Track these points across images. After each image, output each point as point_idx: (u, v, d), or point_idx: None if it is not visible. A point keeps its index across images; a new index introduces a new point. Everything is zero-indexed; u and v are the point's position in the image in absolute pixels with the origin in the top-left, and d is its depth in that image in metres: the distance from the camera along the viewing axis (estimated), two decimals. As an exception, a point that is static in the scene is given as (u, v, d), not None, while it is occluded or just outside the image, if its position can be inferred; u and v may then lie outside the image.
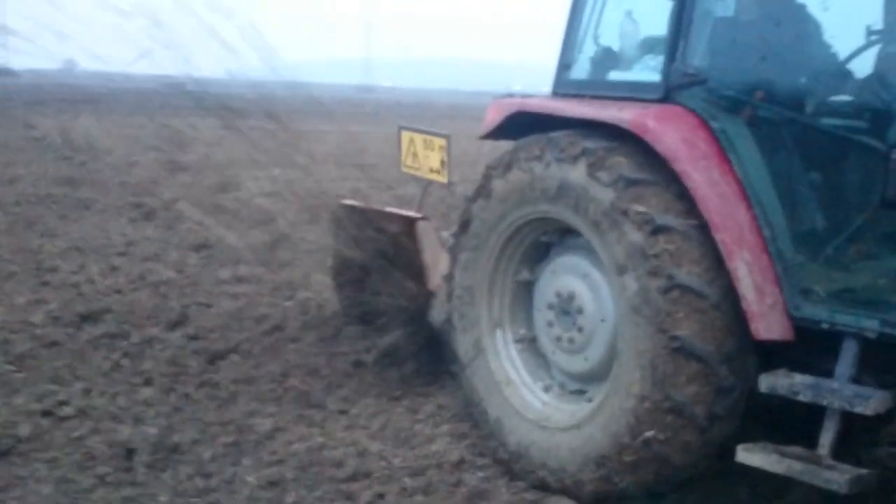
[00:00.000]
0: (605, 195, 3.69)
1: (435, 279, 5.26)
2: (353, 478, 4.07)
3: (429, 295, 5.35)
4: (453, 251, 4.60)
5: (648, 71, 4.19)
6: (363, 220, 5.81)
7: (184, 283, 7.19)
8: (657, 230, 3.53)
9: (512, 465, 4.19)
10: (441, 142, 6.54)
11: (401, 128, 7.14)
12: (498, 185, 4.22)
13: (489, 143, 6.86)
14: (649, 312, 3.53)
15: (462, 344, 4.55)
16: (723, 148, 3.66)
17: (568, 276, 4.14)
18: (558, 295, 4.15)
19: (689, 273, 3.50)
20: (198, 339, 5.77)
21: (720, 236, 3.48)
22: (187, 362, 5.38)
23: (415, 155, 6.77)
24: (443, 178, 6.65)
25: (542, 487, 4.01)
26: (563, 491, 3.92)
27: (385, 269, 5.59)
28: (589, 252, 3.97)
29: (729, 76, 3.86)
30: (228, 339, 5.79)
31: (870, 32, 3.81)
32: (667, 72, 3.91)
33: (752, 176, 3.62)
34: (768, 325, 3.45)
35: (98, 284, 6.89)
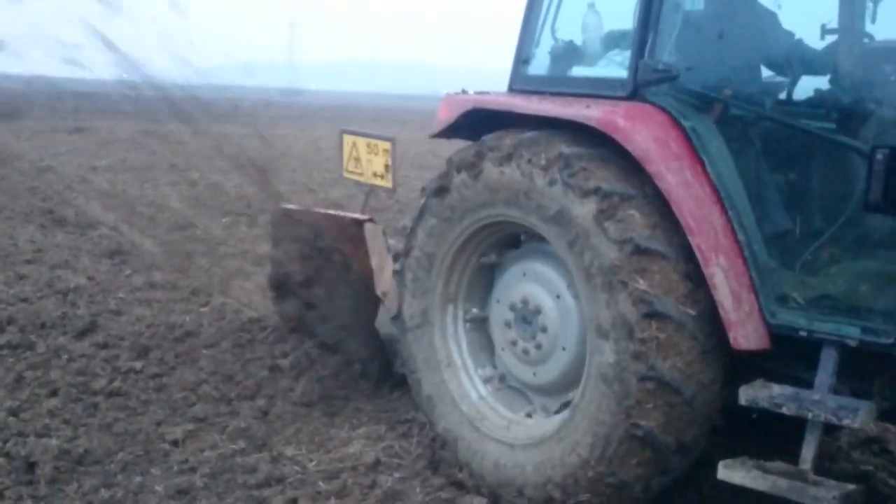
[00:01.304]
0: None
1: (382, 284, 5.06)
2: (265, 483, 4.02)
3: (375, 300, 5.13)
4: (421, 210, 4.20)
5: (614, 67, 3.99)
6: (304, 224, 5.59)
7: (94, 290, 6.99)
8: (638, 251, 3.32)
9: (434, 448, 4.20)
10: (386, 145, 6.45)
11: (343, 131, 7.03)
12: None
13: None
14: (624, 347, 3.33)
15: (409, 307, 4.32)
16: (695, 148, 3.48)
17: (538, 287, 3.90)
18: (524, 302, 3.95)
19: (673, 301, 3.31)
20: (107, 348, 5.62)
21: (695, 241, 3.30)
22: (96, 372, 5.23)
23: (357, 159, 6.69)
24: (387, 183, 6.53)
25: (457, 485, 4.02)
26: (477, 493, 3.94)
27: (328, 275, 5.47)
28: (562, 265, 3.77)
29: (699, 72, 3.69)
30: (140, 348, 5.65)
31: (841, 28, 3.73)
32: (634, 68, 3.68)
33: (725, 177, 3.45)
34: (746, 334, 3.28)
35: (3, 293, 6.64)
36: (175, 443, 4.39)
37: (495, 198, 3.79)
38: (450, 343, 4.27)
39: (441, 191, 4.01)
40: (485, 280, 4.25)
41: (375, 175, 6.57)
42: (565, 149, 3.53)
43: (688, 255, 3.34)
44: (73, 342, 5.66)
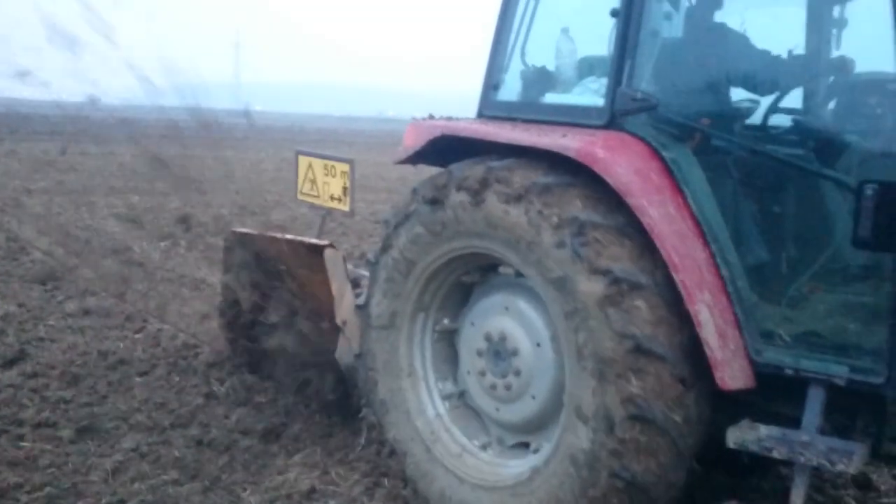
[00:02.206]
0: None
1: (342, 312, 4.85)
2: (197, 515, 3.94)
3: (334, 330, 4.90)
4: (408, 214, 3.96)
5: (589, 94, 3.86)
6: (259, 249, 5.33)
7: (25, 317, 6.82)
8: (638, 350, 3.18)
9: (377, 468, 4.21)
10: (343, 167, 6.28)
11: (298, 152, 6.81)
12: (457, 204, 3.73)
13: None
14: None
15: (378, 305, 4.15)
16: (676, 180, 3.37)
17: (519, 328, 3.76)
18: (501, 338, 3.82)
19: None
20: (36, 377, 5.47)
21: (679, 277, 3.17)
22: (23, 402, 5.09)
23: (313, 182, 6.51)
24: (344, 207, 6.33)
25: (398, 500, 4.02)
26: None
27: (283, 303, 5.22)
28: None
29: (677, 101, 3.59)
30: (70, 376, 5.51)
31: (827, 59, 3.68)
32: (612, 96, 3.56)
33: (707, 210, 3.35)
34: (732, 373, 3.16)
35: (-74, 322, 6.44)
36: (105, 475, 4.28)
37: (494, 233, 3.59)
38: (414, 351, 4.16)
39: (435, 202, 3.80)
40: (461, 294, 4.13)
41: (332, 198, 6.40)
42: (580, 213, 3.32)
43: (685, 353, 3.21)
44: (-1, 372, 5.50)
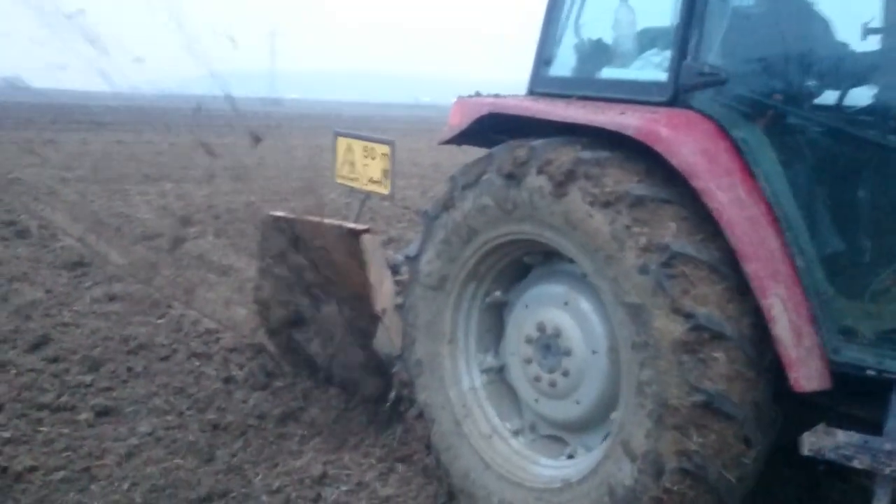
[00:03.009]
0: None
1: (381, 300, 4.68)
2: (207, 498, 3.94)
3: (373, 318, 4.73)
4: (476, 179, 3.66)
5: (651, 68, 3.61)
6: (296, 234, 5.16)
7: (51, 303, 6.89)
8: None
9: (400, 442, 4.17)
10: (384, 149, 6.10)
11: (336, 133, 6.62)
12: (534, 187, 3.47)
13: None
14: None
15: (430, 264, 3.88)
16: (746, 161, 3.11)
17: (578, 330, 3.53)
18: (556, 333, 3.59)
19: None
20: (58, 362, 5.52)
21: (751, 267, 2.94)
22: (44, 387, 5.13)
23: (352, 164, 6.34)
24: (384, 190, 6.17)
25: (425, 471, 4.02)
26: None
27: (321, 289, 5.09)
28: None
29: (749, 76, 3.30)
30: (91, 361, 5.55)
31: (888, 26, 3.30)
32: (676, 70, 3.31)
33: (780, 194, 3.08)
34: (808, 373, 2.92)
35: (-45, 307, 6.54)
36: (119, 458, 4.30)
37: (570, 232, 3.28)
38: (459, 318, 3.93)
39: (510, 178, 3.46)
40: (519, 271, 3.89)
41: (372, 181, 6.21)
42: (673, 240, 3.00)
43: (757, 411, 3.00)
44: (22, 356, 5.56)
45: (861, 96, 3.34)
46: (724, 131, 3.18)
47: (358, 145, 6.29)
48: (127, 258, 9.00)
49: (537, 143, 3.41)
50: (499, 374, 3.97)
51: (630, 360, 3.11)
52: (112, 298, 7.21)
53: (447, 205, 3.77)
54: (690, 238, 3.03)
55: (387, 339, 4.68)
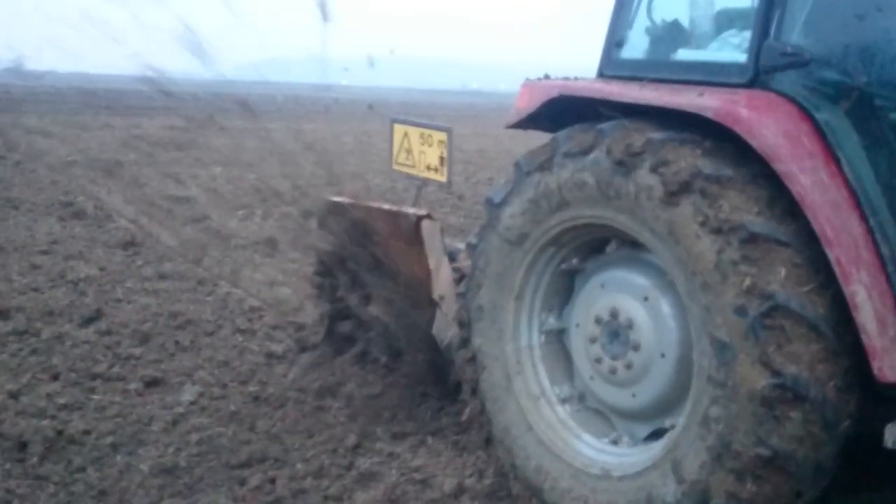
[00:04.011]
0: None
1: (439, 287, 4.69)
2: (246, 464, 4.16)
3: (430, 304, 4.74)
4: (581, 152, 3.46)
5: (729, 49, 3.54)
6: (354, 219, 5.21)
7: (104, 280, 7.20)
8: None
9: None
10: (441, 136, 6.06)
11: (393, 120, 6.64)
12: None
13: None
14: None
15: (513, 217, 3.74)
16: (829, 145, 3.02)
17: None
18: (629, 325, 3.51)
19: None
20: (110, 335, 5.80)
21: (834, 253, 2.86)
22: (97, 357, 5.41)
23: (409, 151, 6.31)
24: (441, 178, 6.10)
25: (428, 470, 4.12)
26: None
27: (379, 275, 5.09)
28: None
29: (833, 56, 3.15)
30: (141, 335, 5.82)
31: None
32: (756, 50, 3.22)
33: (864, 179, 2.99)
34: (893, 363, 2.82)
35: (15, 282, 6.88)
36: (166, 425, 4.55)
37: (671, 244, 3.14)
38: (531, 278, 3.81)
39: (619, 164, 3.28)
40: (600, 245, 3.79)
41: (429, 168, 6.13)
42: (779, 290, 2.88)
43: (817, 471, 2.97)
44: (77, 329, 5.85)
45: None
46: (806, 114, 3.09)
47: (415, 132, 6.26)
48: (177, 239, 9.30)
49: (656, 135, 3.21)
50: (558, 337, 3.91)
51: (702, 389, 3.06)
52: (162, 277, 7.51)
53: (544, 166, 3.57)
54: (797, 290, 2.91)
55: (444, 325, 4.69)
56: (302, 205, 6.71)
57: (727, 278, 2.94)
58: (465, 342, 4.04)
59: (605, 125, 3.36)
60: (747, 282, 2.90)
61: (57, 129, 20.86)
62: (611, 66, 3.83)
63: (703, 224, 3.01)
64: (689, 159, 3.10)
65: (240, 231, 9.99)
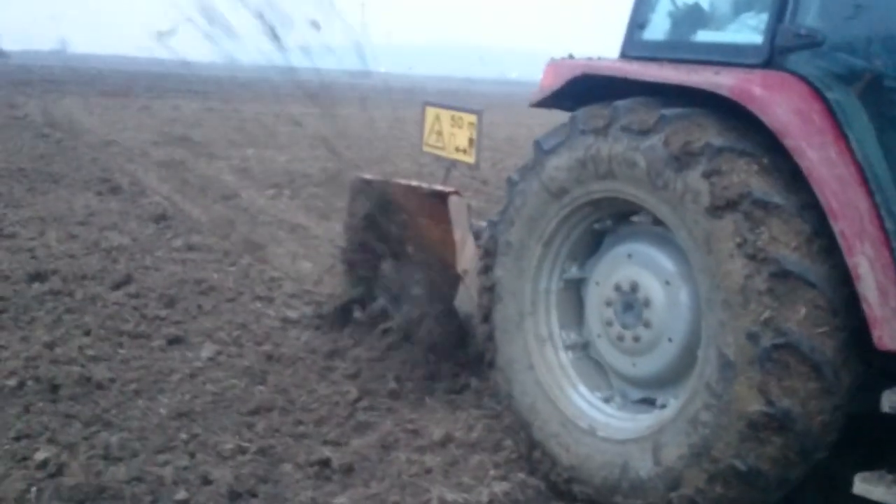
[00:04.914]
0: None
1: (463, 261, 4.90)
2: (255, 412, 4.54)
3: (454, 277, 4.97)
4: (628, 131, 3.52)
5: (746, 31, 3.69)
6: (383, 195, 5.44)
7: (135, 249, 7.65)
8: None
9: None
10: (471, 118, 6.26)
11: (425, 103, 6.85)
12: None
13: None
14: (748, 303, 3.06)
15: (555, 168, 3.78)
16: (839, 123, 3.14)
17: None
18: (633, 289, 3.68)
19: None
20: (138, 297, 6.24)
21: (839, 226, 2.99)
22: (125, 317, 5.84)
23: (439, 133, 6.49)
24: (469, 159, 6.32)
25: (418, 425, 4.45)
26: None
27: (406, 248, 5.39)
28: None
29: (846, 38, 3.30)
30: (167, 298, 6.25)
31: None
32: (772, 32, 3.37)
33: (872, 157, 3.11)
34: (892, 332, 2.92)
35: (53, 249, 7.36)
36: (184, 376, 4.95)
37: (701, 251, 3.24)
38: (563, 229, 3.91)
39: (675, 159, 3.33)
40: (629, 213, 3.90)
41: (458, 150, 6.33)
42: (793, 328, 3.01)
43: None
44: (108, 292, 6.29)
45: None
46: (818, 93, 3.21)
47: (446, 115, 6.46)
48: (207, 215, 9.76)
49: (716, 141, 3.24)
50: (576, 285, 4.04)
51: (698, 392, 3.25)
52: (190, 248, 7.94)
53: (599, 130, 3.60)
54: (812, 331, 3.03)
55: (467, 298, 4.93)
56: (329, 186, 7.02)
57: (748, 304, 3.06)
58: (486, 269, 4.15)
59: (668, 112, 3.39)
60: (767, 314, 3.03)
61: (98, 110, 21.51)
62: (633, 47, 3.98)
63: (739, 245, 3.10)
64: (742, 175, 3.16)
65: (267, 209, 10.44)
